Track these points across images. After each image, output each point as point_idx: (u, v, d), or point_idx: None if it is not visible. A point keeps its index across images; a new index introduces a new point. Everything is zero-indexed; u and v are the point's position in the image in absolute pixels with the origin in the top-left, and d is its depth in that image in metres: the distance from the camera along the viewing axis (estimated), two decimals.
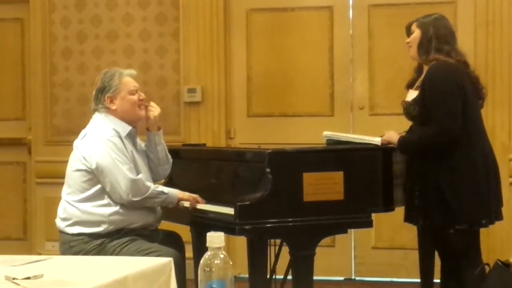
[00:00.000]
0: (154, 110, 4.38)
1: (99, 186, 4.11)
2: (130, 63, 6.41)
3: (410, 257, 5.71)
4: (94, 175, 4.10)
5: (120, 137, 4.17)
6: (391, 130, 4.48)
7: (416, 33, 4.41)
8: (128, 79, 4.28)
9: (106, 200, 4.11)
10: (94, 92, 4.28)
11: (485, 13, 5.99)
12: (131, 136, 4.26)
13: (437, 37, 4.35)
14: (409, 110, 4.39)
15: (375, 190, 4.26)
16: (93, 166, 4.08)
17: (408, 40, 4.47)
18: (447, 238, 4.31)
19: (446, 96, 4.23)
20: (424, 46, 4.36)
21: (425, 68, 4.39)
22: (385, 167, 4.31)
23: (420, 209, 4.36)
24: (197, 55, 6.50)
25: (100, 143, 4.10)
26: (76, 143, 4.22)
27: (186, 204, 4.26)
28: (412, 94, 4.43)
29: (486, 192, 4.29)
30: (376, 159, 4.31)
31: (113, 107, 4.22)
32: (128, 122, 4.24)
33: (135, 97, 4.26)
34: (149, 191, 4.12)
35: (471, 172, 4.26)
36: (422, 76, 4.38)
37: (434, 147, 4.27)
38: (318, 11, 6.46)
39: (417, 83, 4.41)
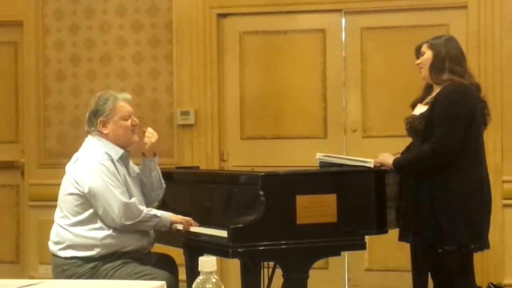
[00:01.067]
0: (152, 137, 4.38)
1: (91, 210, 4.10)
2: (123, 86, 6.42)
3: (403, 279, 5.69)
4: (87, 199, 4.09)
5: (112, 160, 4.17)
6: (385, 152, 4.49)
7: (428, 54, 4.42)
8: (122, 103, 4.27)
9: (98, 224, 4.10)
10: (87, 114, 4.27)
11: (477, 35, 6.02)
12: (123, 160, 4.26)
13: (449, 57, 4.36)
14: (414, 124, 4.38)
15: (368, 212, 4.26)
16: (86, 190, 4.07)
17: (418, 61, 4.48)
18: (439, 258, 4.31)
19: (453, 117, 4.24)
20: (436, 67, 4.37)
21: (435, 88, 4.39)
22: (378, 189, 4.31)
23: (411, 226, 4.37)
24: (190, 78, 6.51)
25: (92, 167, 4.09)
26: (68, 167, 4.21)
27: (179, 227, 4.25)
28: (420, 109, 4.43)
29: (479, 218, 4.29)
30: (369, 181, 4.32)
31: (105, 131, 4.21)
32: (121, 146, 4.24)
33: (128, 123, 4.25)
34: (142, 215, 4.11)
35: (466, 196, 4.25)
36: (434, 94, 4.38)
37: (430, 167, 4.28)
38: (311, 34, 6.48)
39: (428, 99, 4.41)
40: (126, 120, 4.25)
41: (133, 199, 4.13)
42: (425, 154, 4.30)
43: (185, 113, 6.50)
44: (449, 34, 4.63)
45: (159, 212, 4.22)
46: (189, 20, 6.50)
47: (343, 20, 6.40)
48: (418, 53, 4.51)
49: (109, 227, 4.09)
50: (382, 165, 4.39)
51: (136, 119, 4.31)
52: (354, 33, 6.38)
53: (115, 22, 6.68)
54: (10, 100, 6.98)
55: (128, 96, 4.35)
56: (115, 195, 4.05)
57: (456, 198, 4.25)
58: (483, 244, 4.33)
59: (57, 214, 4.21)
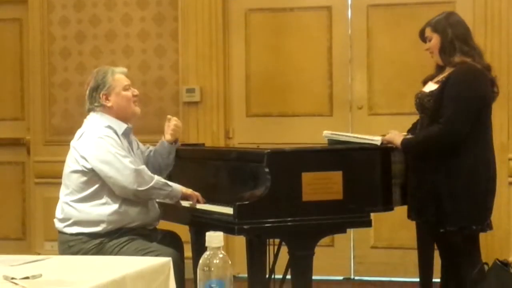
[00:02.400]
0: (179, 130, 4.48)
1: (96, 185, 4.10)
2: (128, 63, 6.41)
3: (409, 257, 5.71)
4: (92, 175, 4.09)
5: (116, 133, 4.17)
6: (394, 130, 4.47)
7: (435, 39, 4.36)
8: (120, 76, 4.28)
9: (104, 199, 4.10)
10: (88, 92, 4.26)
11: (484, 13, 6.00)
12: (126, 135, 4.26)
13: (457, 37, 4.31)
14: (423, 101, 4.36)
15: (374, 190, 4.25)
16: (94, 164, 4.06)
17: (427, 47, 4.42)
18: (444, 237, 4.32)
19: (463, 100, 4.20)
20: (446, 51, 4.32)
21: (448, 68, 4.35)
22: (384, 167, 4.30)
23: (415, 204, 4.38)
24: (195, 55, 6.49)
25: (98, 140, 4.09)
26: (73, 143, 4.21)
27: (186, 204, 4.26)
28: (430, 87, 4.40)
29: (483, 199, 4.28)
30: (375, 158, 4.31)
31: (109, 104, 4.21)
32: (124, 119, 4.24)
33: (129, 93, 4.27)
34: (154, 181, 4.11)
35: (472, 178, 4.24)
36: (446, 73, 4.34)
37: (438, 147, 4.27)
38: (317, 11, 6.46)
39: (439, 78, 4.38)
40: (127, 90, 4.26)
41: (143, 166, 4.15)
42: (433, 135, 4.28)
43: (190, 91, 6.49)
44: (447, 11, 4.57)
45: (170, 183, 4.22)
46: None
47: None
48: (424, 38, 4.44)
49: (115, 202, 4.09)
50: (390, 143, 4.38)
51: (135, 90, 4.32)
52: (360, 11, 6.36)
53: None
54: (15, 78, 6.99)
55: (124, 69, 4.39)
56: (125, 164, 4.04)
57: (462, 180, 4.23)
58: (485, 225, 4.33)
59: (63, 192, 4.21)
